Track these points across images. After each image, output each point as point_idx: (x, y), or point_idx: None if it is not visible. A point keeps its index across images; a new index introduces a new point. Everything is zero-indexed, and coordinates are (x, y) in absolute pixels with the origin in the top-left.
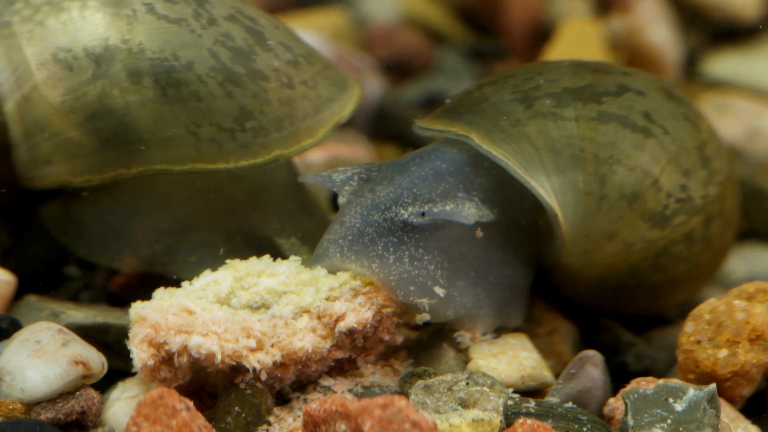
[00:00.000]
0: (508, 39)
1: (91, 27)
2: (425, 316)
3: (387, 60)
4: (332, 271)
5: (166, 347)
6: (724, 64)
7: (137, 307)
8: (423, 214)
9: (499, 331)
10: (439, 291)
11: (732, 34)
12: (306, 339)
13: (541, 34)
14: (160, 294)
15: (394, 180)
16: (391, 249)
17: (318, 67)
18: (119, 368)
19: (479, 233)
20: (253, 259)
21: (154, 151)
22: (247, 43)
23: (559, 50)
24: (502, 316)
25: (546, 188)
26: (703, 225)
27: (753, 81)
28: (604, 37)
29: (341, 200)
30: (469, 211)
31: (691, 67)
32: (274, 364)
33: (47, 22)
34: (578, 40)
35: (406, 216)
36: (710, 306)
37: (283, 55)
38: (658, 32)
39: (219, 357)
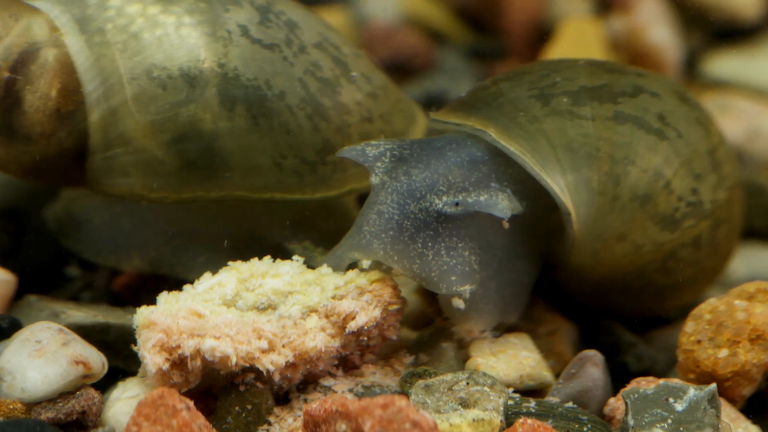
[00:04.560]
0: (509, 39)
1: (187, 47)
2: (460, 303)
3: (387, 60)
4: (377, 265)
5: (179, 351)
6: (724, 64)
7: (145, 312)
8: (457, 204)
9: (500, 329)
10: (476, 276)
11: (732, 34)
12: (318, 338)
13: (542, 34)
14: (166, 298)
15: (430, 164)
16: (429, 244)
17: (393, 99)
18: (120, 368)
19: (506, 224)
20: (255, 260)
21: (237, 178)
22: (333, 74)
23: (560, 50)
24: (503, 314)
25: (561, 186)
26: (711, 230)
27: (753, 81)
28: (604, 37)
29: (374, 180)
30: (503, 203)
31: (691, 67)
32: (286, 364)
33: (142, 35)
34: (578, 40)
35: (440, 206)
36: (710, 306)
37: (364, 87)
38: (659, 32)
39: (234, 359)
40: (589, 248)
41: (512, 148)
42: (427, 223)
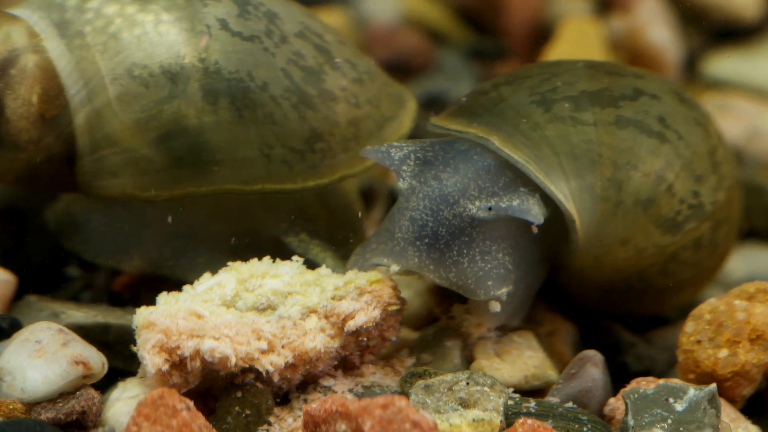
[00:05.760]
0: (508, 39)
1: (166, 43)
2: (496, 306)
3: (387, 60)
4: (406, 272)
5: (179, 352)
6: (724, 64)
7: (144, 313)
8: (490, 209)
9: (504, 329)
10: (512, 276)
11: (732, 34)
12: (317, 339)
13: (541, 34)
14: (165, 299)
15: (459, 169)
16: (465, 251)
17: (379, 83)
18: (120, 368)
19: (535, 229)
20: (255, 261)
21: (226, 171)
22: (317, 62)
23: (559, 50)
24: (512, 316)
25: (565, 193)
26: (712, 231)
27: (753, 81)
28: (604, 37)
29: (402, 184)
30: (535, 209)
31: (691, 67)
32: (286, 365)
33: (121, 35)
34: (578, 40)
35: (473, 211)
36: (710, 306)
37: (349, 73)
38: (658, 32)
39: (233, 360)
40: (591, 252)
41: (516, 156)
42: (462, 228)
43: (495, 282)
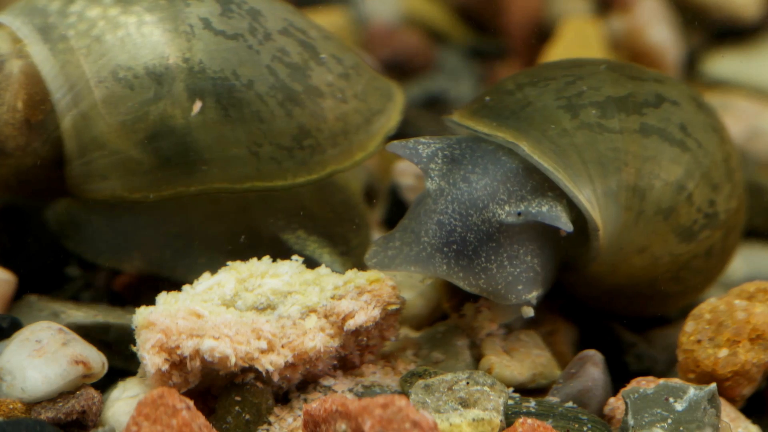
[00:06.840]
0: (508, 39)
1: (150, 44)
2: (530, 311)
3: (387, 60)
4: (433, 278)
5: (179, 351)
6: (724, 64)
7: (144, 312)
8: (519, 214)
9: (509, 327)
10: (540, 278)
11: (732, 33)
12: (317, 338)
13: (541, 33)
14: (165, 298)
15: (488, 170)
16: (493, 257)
17: (366, 77)
18: (120, 368)
19: (563, 233)
20: (254, 261)
21: (215, 170)
22: (302, 58)
23: (559, 50)
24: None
25: (592, 202)
26: (723, 239)
27: (753, 81)
28: (604, 37)
29: (431, 185)
30: (564, 216)
31: (691, 67)
32: (286, 364)
33: (105, 37)
34: (578, 40)
35: (503, 217)
36: (711, 305)
37: (335, 68)
38: (658, 32)
39: (233, 360)
40: (609, 259)
41: (545, 163)
42: (490, 234)
43: (525, 286)
